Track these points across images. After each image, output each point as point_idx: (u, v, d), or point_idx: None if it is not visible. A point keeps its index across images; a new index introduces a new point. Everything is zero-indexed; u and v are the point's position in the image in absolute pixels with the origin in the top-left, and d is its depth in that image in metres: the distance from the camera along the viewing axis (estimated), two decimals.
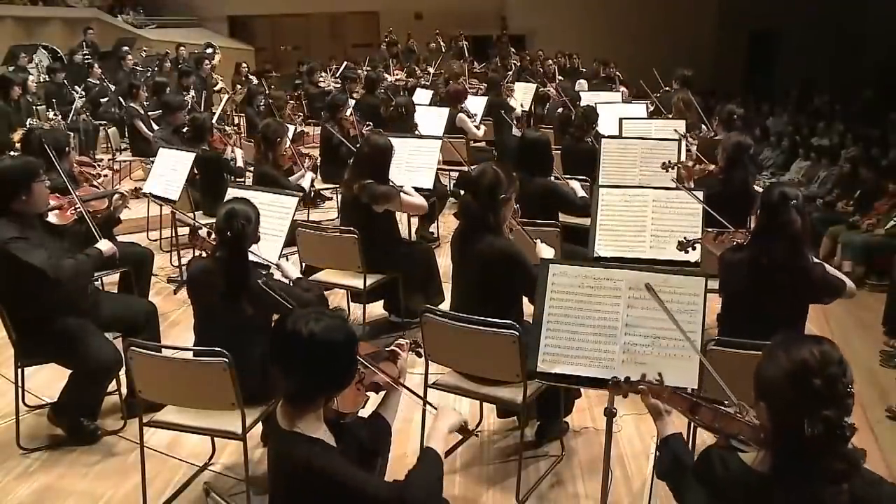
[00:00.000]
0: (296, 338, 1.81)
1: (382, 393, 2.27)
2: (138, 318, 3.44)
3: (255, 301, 2.73)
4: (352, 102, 7.85)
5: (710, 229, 3.36)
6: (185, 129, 6.12)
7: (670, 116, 6.38)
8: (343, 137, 6.12)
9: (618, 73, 11.23)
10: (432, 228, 6.16)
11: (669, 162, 4.55)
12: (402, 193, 4.10)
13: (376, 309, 4.57)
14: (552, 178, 4.31)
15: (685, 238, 3.25)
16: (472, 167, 6.10)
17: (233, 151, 5.66)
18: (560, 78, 11.05)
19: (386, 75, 11.08)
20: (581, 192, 4.35)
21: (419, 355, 2.73)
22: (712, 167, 4.35)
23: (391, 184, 4.16)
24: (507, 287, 2.99)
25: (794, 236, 2.72)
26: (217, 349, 2.61)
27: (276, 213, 3.83)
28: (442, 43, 14.75)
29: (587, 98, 7.54)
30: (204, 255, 2.96)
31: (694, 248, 3.25)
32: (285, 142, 5.09)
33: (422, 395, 2.55)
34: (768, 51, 14.80)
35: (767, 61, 14.83)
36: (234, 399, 2.65)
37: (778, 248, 2.73)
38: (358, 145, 4.59)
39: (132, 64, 10.71)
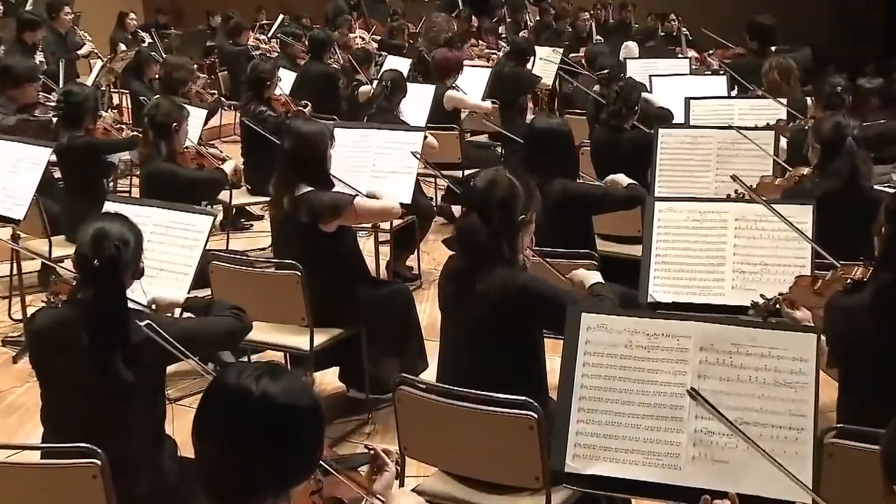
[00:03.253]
0: (242, 398, 1.81)
1: None
2: None
3: (138, 360, 2.76)
4: (289, 77, 7.99)
5: (821, 261, 3.42)
6: (41, 111, 6.21)
7: (761, 93, 6.50)
8: (268, 131, 6.23)
9: (684, 30, 11.48)
10: (411, 261, 6.25)
11: (740, 188, 4.48)
12: (357, 198, 4.19)
13: (328, 380, 4.61)
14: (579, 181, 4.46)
15: (762, 297, 3.23)
16: (472, 172, 6.22)
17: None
18: (598, 39, 11.28)
19: (352, 34, 11.28)
20: (626, 180, 4.50)
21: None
22: (804, 170, 4.38)
23: (340, 185, 4.25)
24: (526, 342, 3.06)
25: None
26: (84, 446, 2.60)
27: (179, 239, 3.89)
28: None
29: (637, 68, 7.70)
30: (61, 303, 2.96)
31: (777, 312, 3.21)
32: (186, 130, 5.17)
33: None
34: None
35: None
36: None
37: None
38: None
39: None
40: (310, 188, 4.09)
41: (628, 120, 5.50)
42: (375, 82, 6.67)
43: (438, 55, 7.59)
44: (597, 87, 7.16)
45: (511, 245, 3.08)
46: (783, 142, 5.16)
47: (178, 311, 3.33)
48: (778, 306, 3.21)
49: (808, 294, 3.15)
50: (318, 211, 4.05)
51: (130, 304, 2.90)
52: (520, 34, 12.26)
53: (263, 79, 6.60)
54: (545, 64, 9.09)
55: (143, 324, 2.78)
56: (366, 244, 5.60)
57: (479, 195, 3.10)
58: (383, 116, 6.14)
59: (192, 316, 3.24)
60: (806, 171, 4.33)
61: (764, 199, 3.73)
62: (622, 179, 4.57)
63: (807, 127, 5.16)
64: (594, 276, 3.32)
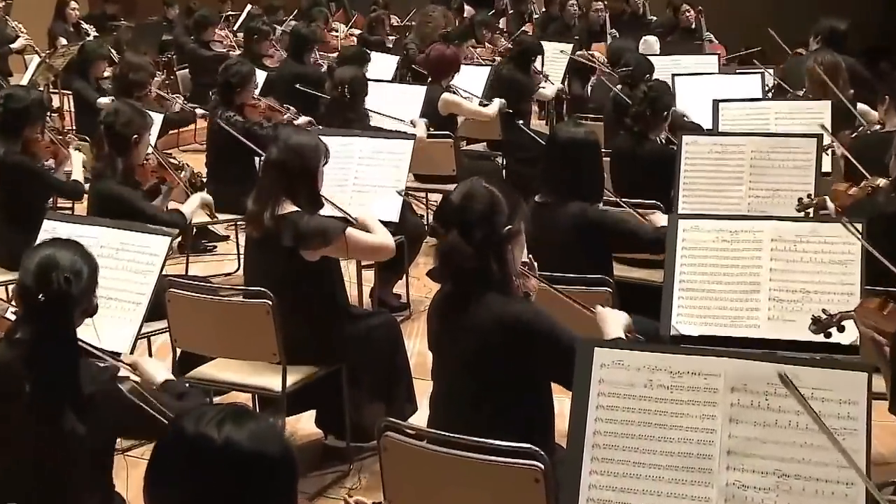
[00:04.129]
0: (201, 447, 1.80)
1: None
2: None
3: (90, 413, 2.74)
4: (262, 76, 8.02)
5: (872, 288, 3.41)
6: None
7: (801, 94, 6.51)
8: (246, 137, 6.25)
9: (701, 19, 11.46)
10: (399, 288, 6.25)
11: (809, 197, 4.50)
12: (350, 229, 4.18)
13: (304, 425, 4.60)
14: (600, 206, 4.43)
15: (823, 312, 3.26)
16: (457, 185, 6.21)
17: (57, 158, 5.72)
18: (613, 33, 11.34)
19: (333, 28, 11.33)
20: (662, 221, 4.44)
21: None
22: (880, 181, 4.36)
23: (330, 208, 4.25)
24: (529, 381, 3.06)
25: None
26: None
27: (131, 263, 3.88)
28: None
29: (659, 67, 7.72)
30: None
31: (841, 328, 3.26)
32: (147, 141, 5.18)
33: None
34: None
35: None
36: None
37: None
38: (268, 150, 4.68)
39: None
40: (296, 208, 4.08)
41: (655, 127, 5.54)
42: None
43: (434, 52, 7.61)
44: (619, 87, 7.18)
45: (500, 262, 3.09)
46: (838, 149, 5.14)
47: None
48: (844, 323, 3.19)
49: (876, 319, 3.07)
50: (304, 235, 4.03)
51: (91, 348, 2.89)
52: (522, 27, 12.32)
53: (234, 84, 6.59)
54: (552, 63, 9.15)
55: (126, 388, 2.76)
56: (347, 268, 5.59)
57: (457, 211, 3.11)
58: (347, 118, 6.17)
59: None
60: (882, 182, 4.31)
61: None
62: (659, 220, 4.48)
63: (869, 131, 5.18)
64: (619, 322, 3.30)
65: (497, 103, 7.49)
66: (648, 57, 8.09)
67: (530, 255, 3.31)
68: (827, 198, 4.51)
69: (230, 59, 7.10)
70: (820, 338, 3.34)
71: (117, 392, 2.76)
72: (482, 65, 9.08)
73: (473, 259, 3.06)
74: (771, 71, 7.95)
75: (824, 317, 3.24)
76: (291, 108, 7.21)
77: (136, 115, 5.06)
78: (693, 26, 11.54)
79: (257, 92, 7.18)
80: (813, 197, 4.56)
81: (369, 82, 6.69)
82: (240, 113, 6.55)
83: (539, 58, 8.42)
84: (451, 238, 3.09)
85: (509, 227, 3.09)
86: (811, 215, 4.44)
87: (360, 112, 6.38)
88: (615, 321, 3.32)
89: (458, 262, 3.09)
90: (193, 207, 5.33)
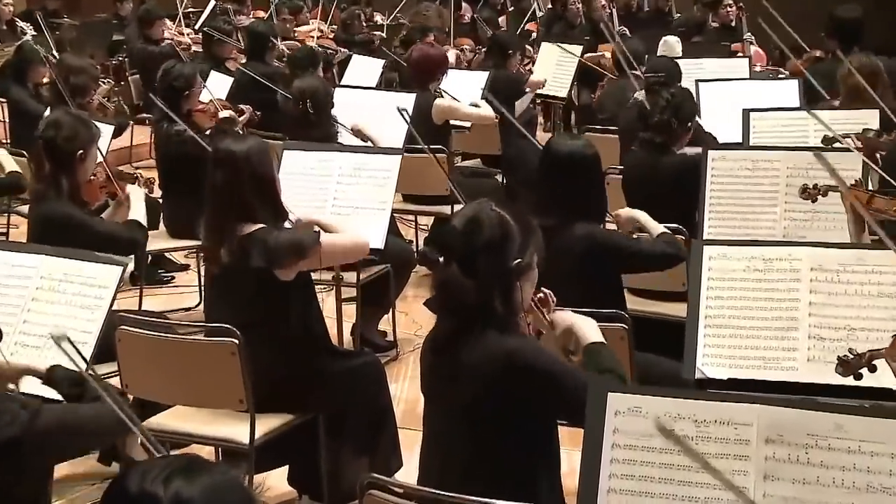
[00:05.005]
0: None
1: None
2: None
3: (17, 458, 2.75)
4: (220, 81, 8.04)
5: None
6: None
7: (837, 104, 6.54)
8: (191, 155, 6.26)
9: (742, 18, 11.47)
10: (385, 324, 6.27)
11: (816, 187, 4.56)
12: (324, 236, 4.22)
13: (274, 482, 4.60)
14: (604, 227, 4.47)
15: (850, 352, 3.16)
16: (459, 209, 6.23)
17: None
18: (622, 31, 11.37)
19: (303, 28, 11.35)
20: (660, 228, 4.53)
21: None
22: None
23: (293, 219, 4.28)
24: (534, 432, 3.06)
25: None
26: None
27: (76, 297, 3.87)
28: None
29: (683, 70, 7.75)
30: None
31: (873, 368, 3.22)
32: (95, 156, 5.16)
33: None
34: None
35: None
36: None
37: None
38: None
39: None
40: (259, 225, 4.09)
41: (678, 139, 5.56)
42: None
43: (416, 53, 7.65)
44: (639, 94, 7.16)
45: (506, 300, 3.08)
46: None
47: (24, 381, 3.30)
48: (875, 362, 3.14)
49: None
50: (277, 252, 4.04)
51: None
52: (525, 27, 12.38)
53: (179, 88, 6.60)
54: (559, 68, 9.19)
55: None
56: (326, 301, 5.61)
57: (460, 239, 3.09)
58: (312, 133, 6.18)
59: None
60: None
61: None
62: (640, 217, 4.57)
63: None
64: (594, 325, 3.29)
65: (486, 105, 7.43)
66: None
67: (545, 290, 3.29)
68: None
69: (168, 63, 7.06)
70: (850, 381, 3.27)
71: (34, 431, 2.75)
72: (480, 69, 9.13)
73: (475, 294, 3.06)
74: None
75: (851, 357, 3.15)
76: (248, 107, 7.22)
77: (80, 126, 4.99)
78: (733, 24, 11.52)
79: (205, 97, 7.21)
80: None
81: (349, 89, 6.73)
82: (188, 121, 6.56)
83: (522, 55, 8.46)
84: (453, 271, 3.08)
85: (520, 260, 3.08)
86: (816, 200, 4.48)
87: (326, 128, 6.37)
88: (589, 326, 3.28)
89: (457, 296, 3.09)
90: (143, 213, 5.31)
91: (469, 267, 3.06)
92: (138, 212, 5.28)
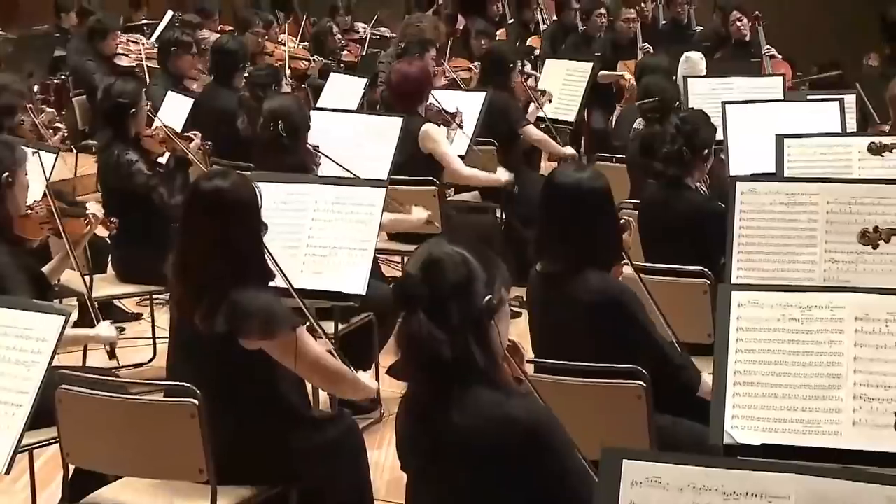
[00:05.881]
0: None
1: None
2: None
3: None
4: (178, 103, 8.05)
5: None
6: None
7: (887, 128, 6.54)
8: (147, 182, 6.26)
9: (759, 28, 11.42)
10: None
11: (877, 231, 4.53)
12: (302, 329, 4.16)
13: None
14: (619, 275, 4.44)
15: None
16: (412, 252, 6.25)
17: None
18: (645, 48, 11.43)
19: (269, 43, 11.39)
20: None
21: None
22: None
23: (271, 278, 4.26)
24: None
25: None
26: None
27: (10, 351, 3.86)
28: None
29: (705, 91, 7.79)
30: None
31: None
32: (24, 183, 5.13)
33: None
34: None
35: None
36: None
37: None
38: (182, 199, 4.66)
39: None
40: (234, 283, 4.05)
41: (693, 170, 5.57)
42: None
43: (394, 75, 7.63)
44: (639, 121, 7.21)
45: (485, 346, 3.08)
46: None
47: None
48: None
49: None
50: (243, 319, 4.01)
51: None
52: (527, 41, 12.42)
53: (124, 106, 6.59)
54: (566, 87, 9.22)
55: None
56: None
57: (419, 286, 3.07)
58: (285, 162, 6.15)
59: None
60: None
61: None
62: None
63: None
64: None
65: (504, 174, 7.55)
66: (690, 78, 8.13)
67: (512, 339, 3.28)
68: None
69: (107, 81, 7.07)
70: None
71: None
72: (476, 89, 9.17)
73: (449, 346, 3.05)
74: (853, 98, 7.91)
75: None
76: (197, 133, 7.20)
77: (3, 150, 5.02)
78: (747, 38, 11.50)
79: (180, 124, 7.22)
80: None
81: (327, 113, 6.73)
82: (135, 147, 6.58)
83: (524, 71, 8.46)
84: (418, 322, 3.05)
85: (490, 296, 3.08)
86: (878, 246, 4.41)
87: (300, 155, 6.34)
88: None
89: (428, 353, 3.06)
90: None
91: (437, 316, 3.05)
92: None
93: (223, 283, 4.04)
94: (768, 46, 11.32)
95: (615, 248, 4.45)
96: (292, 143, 6.32)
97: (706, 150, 5.62)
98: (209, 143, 7.39)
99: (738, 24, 11.51)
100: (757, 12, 11.53)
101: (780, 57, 11.42)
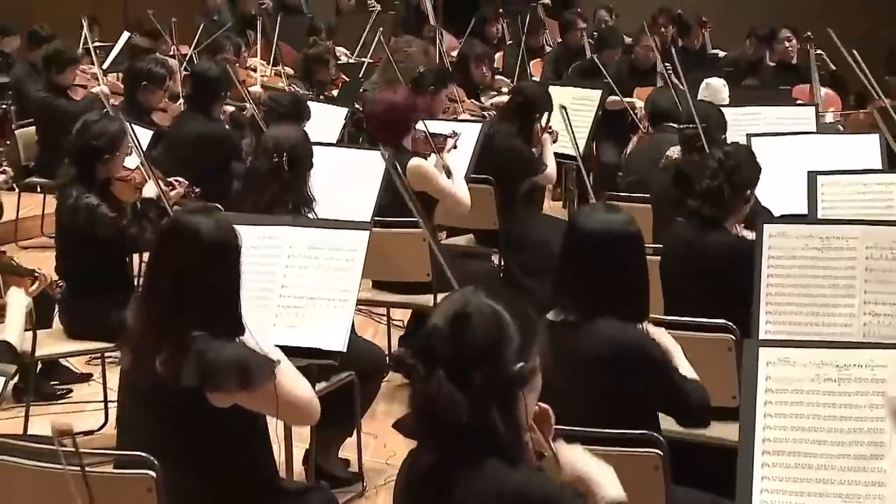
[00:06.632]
0: None
1: None
2: None
3: None
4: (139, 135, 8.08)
5: None
6: None
7: None
8: (115, 225, 6.26)
9: (811, 51, 11.39)
10: (348, 449, 6.24)
11: None
12: (281, 370, 4.13)
13: None
14: (640, 328, 4.41)
15: None
16: (441, 299, 6.25)
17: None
18: (663, 72, 11.45)
19: (241, 70, 11.44)
20: (691, 372, 4.44)
21: None
22: None
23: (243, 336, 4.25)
24: None
25: None
26: None
27: None
28: None
29: (728, 122, 7.81)
30: None
31: None
32: None
33: None
34: None
35: None
36: None
37: None
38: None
39: None
40: (200, 332, 4.06)
41: (732, 211, 5.57)
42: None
43: (378, 105, 7.63)
44: (673, 150, 7.16)
45: (509, 417, 3.06)
46: None
47: None
48: None
49: None
50: (214, 371, 3.98)
51: None
52: (528, 64, 12.46)
53: (98, 151, 6.58)
54: (573, 117, 9.23)
55: None
56: (271, 419, 5.57)
57: (447, 342, 3.05)
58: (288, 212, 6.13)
59: None
60: None
61: None
62: (672, 347, 4.44)
63: None
64: (606, 483, 3.25)
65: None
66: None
67: (542, 405, 3.27)
68: None
69: (91, 115, 7.03)
70: None
71: None
72: (472, 119, 9.19)
73: (469, 411, 3.02)
74: None
75: None
76: (182, 180, 7.19)
77: None
78: (794, 60, 11.43)
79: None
80: None
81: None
82: (103, 191, 6.56)
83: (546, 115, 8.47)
84: (437, 382, 3.03)
85: (522, 363, 3.07)
86: None
87: (302, 192, 6.27)
88: (607, 479, 3.26)
89: (445, 416, 3.04)
90: (20, 328, 5.30)
91: (460, 377, 3.03)
92: (12, 327, 5.28)
93: (190, 330, 4.02)
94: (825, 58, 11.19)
95: (641, 300, 4.41)
96: (294, 179, 6.22)
97: (748, 191, 5.60)
98: (197, 189, 7.32)
99: (787, 44, 11.54)
100: (809, 33, 11.45)
101: (828, 89, 11.34)
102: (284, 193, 6.18)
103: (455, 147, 7.64)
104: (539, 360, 3.15)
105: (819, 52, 11.16)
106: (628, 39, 12.40)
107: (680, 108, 7.79)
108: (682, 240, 5.67)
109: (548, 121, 8.46)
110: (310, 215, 6.16)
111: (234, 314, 4.18)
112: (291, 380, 4.18)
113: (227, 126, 9.05)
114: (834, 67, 11.23)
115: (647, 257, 5.66)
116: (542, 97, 8.53)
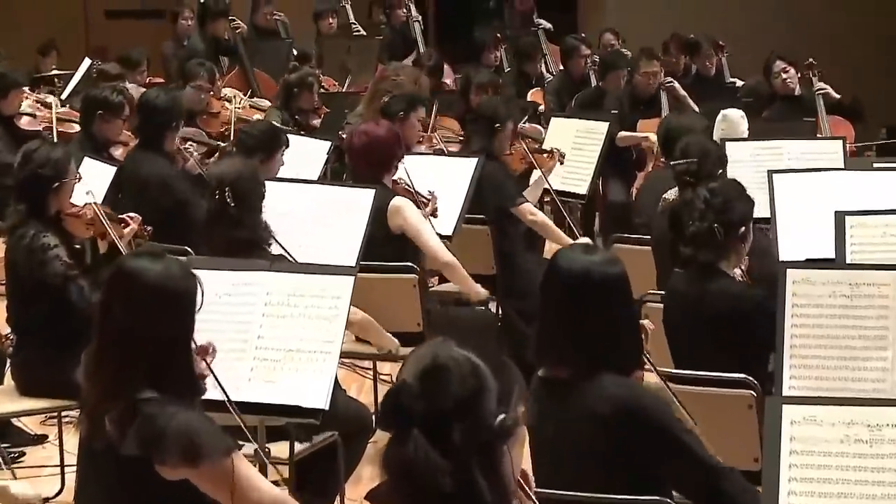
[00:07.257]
0: None
1: None
2: None
3: None
4: (96, 171, 8.09)
5: None
6: None
7: None
8: (65, 272, 6.26)
9: (813, 78, 11.34)
10: None
11: None
12: (239, 460, 4.08)
13: None
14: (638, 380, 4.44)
15: None
16: (408, 354, 6.24)
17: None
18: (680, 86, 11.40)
19: (214, 101, 11.48)
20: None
21: None
22: None
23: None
24: None
25: None
26: None
27: None
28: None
29: (746, 157, 7.82)
30: None
31: None
32: None
33: None
34: None
35: None
36: None
37: None
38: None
39: None
40: (152, 392, 4.06)
41: (726, 253, 5.57)
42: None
43: (359, 138, 7.60)
44: (671, 192, 7.20)
45: (492, 474, 3.05)
46: None
47: None
48: None
49: None
50: (161, 441, 3.95)
51: None
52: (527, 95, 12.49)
53: (46, 179, 6.58)
54: (577, 151, 9.26)
55: None
56: None
57: (417, 398, 3.03)
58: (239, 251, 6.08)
59: None
60: None
61: None
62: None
63: None
64: None
65: (481, 292, 7.59)
66: (731, 143, 8.10)
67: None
68: None
69: (31, 144, 7.02)
70: None
71: None
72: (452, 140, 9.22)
73: (451, 474, 3.02)
74: None
75: None
76: (135, 215, 7.17)
77: None
78: (796, 92, 11.45)
79: (100, 196, 7.21)
80: None
81: (282, 183, 6.73)
82: (54, 228, 6.57)
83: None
84: (413, 445, 3.02)
85: (503, 416, 3.07)
86: None
87: (254, 227, 6.25)
88: None
89: (424, 483, 3.04)
90: None
91: (437, 436, 3.01)
92: None
93: (140, 389, 4.00)
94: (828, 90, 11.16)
95: (634, 350, 4.41)
96: (241, 215, 6.19)
97: (742, 228, 5.60)
98: (149, 228, 7.29)
99: (784, 76, 11.34)
100: (811, 59, 11.48)
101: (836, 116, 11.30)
102: (235, 231, 6.17)
103: (435, 215, 7.65)
104: (520, 411, 3.14)
105: (822, 87, 11.23)
106: None
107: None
108: (682, 291, 5.69)
109: (518, 122, 8.52)
110: (273, 250, 6.19)
111: (187, 372, 4.14)
112: (254, 476, 4.13)
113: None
114: (838, 96, 11.23)
115: (652, 305, 5.74)
116: (497, 106, 8.62)
